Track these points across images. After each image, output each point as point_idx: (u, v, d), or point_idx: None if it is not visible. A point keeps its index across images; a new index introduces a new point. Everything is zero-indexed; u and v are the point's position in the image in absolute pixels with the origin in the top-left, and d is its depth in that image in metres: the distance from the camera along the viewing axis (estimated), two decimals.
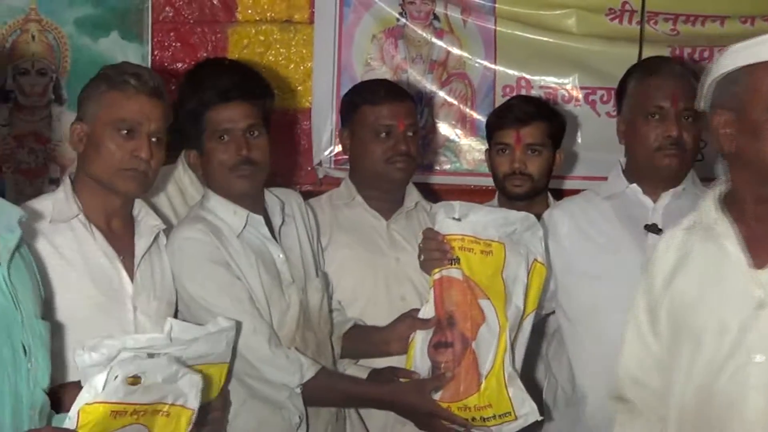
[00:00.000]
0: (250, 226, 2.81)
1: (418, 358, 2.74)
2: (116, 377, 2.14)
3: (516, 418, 2.64)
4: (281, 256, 2.84)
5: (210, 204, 2.81)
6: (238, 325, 2.56)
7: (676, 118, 2.86)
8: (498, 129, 3.40)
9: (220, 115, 2.76)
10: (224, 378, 2.51)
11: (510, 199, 3.37)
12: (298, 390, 2.70)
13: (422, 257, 2.78)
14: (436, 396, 2.67)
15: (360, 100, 3.15)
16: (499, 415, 2.63)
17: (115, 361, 2.19)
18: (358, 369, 2.98)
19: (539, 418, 2.67)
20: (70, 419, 2.11)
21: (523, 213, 2.82)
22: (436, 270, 2.73)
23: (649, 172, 2.93)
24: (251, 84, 2.85)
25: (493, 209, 2.90)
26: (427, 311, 2.76)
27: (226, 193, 2.80)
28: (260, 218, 2.83)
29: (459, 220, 2.73)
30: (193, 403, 2.27)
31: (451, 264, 2.70)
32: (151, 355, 2.23)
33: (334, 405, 2.91)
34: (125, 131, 2.56)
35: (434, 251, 2.72)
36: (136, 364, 2.19)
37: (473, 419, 2.65)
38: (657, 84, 2.90)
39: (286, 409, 2.74)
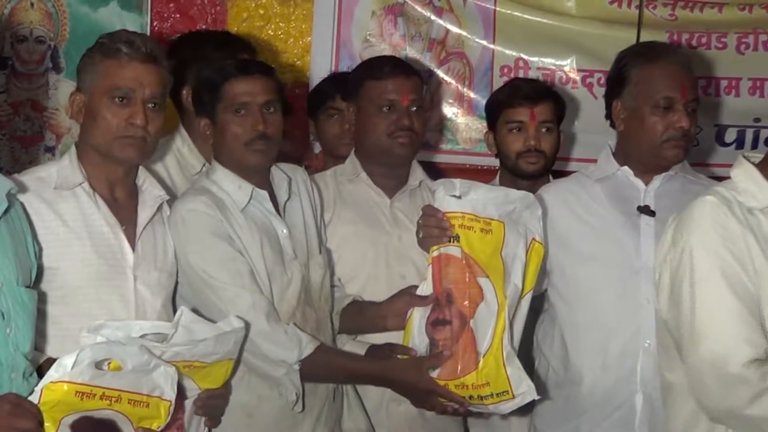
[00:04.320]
0: (255, 201, 2.80)
1: (415, 334, 2.74)
2: (85, 359, 2.17)
3: (513, 397, 2.64)
4: (285, 231, 2.84)
5: (215, 176, 2.81)
6: (247, 325, 2.58)
7: (684, 109, 2.86)
8: (509, 107, 3.41)
9: (239, 88, 2.76)
10: (230, 372, 2.54)
11: (517, 178, 3.40)
12: (297, 366, 2.70)
13: (421, 234, 2.78)
14: (434, 373, 2.67)
15: (365, 74, 3.14)
16: (497, 394, 2.63)
17: (86, 344, 2.22)
18: (356, 345, 2.98)
19: (536, 398, 2.67)
20: (35, 393, 2.15)
21: (522, 192, 2.82)
22: (435, 247, 2.72)
23: (651, 160, 2.93)
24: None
25: (493, 187, 2.89)
26: (425, 288, 2.75)
27: (235, 166, 2.80)
28: (265, 193, 2.82)
29: (459, 197, 2.72)
30: (170, 394, 2.32)
31: (450, 242, 2.69)
32: (123, 342, 2.26)
33: (332, 381, 2.91)
34: (120, 99, 2.55)
35: (433, 228, 2.71)
36: (107, 349, 2.23)
37: (471, 397, 2.66)
38: (665, 73, 2.88)
39: (283, 385, 2.74)
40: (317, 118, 3.75)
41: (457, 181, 2.75)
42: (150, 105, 2.57)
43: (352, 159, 3.20)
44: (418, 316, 2.74)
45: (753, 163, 2.45)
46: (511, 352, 2.64)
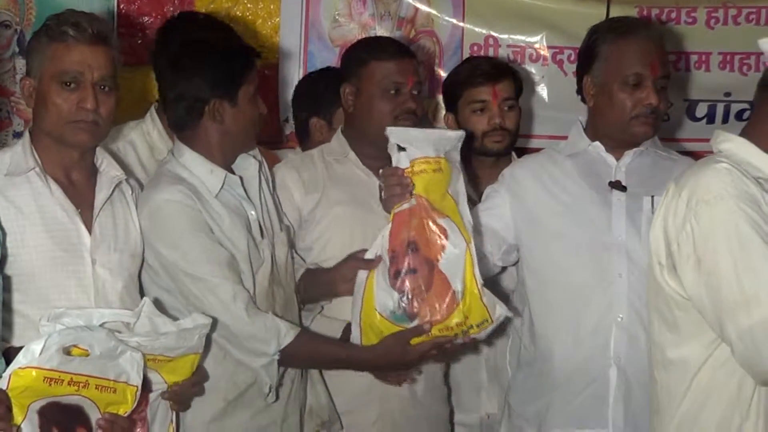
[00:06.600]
0: (227, 185, 2.78)
1: (380, 295, 2.72)
2: (53, 345, 2.15)
3: (492, 323, 2.72)
4: (253, 213, 2.83)
5: (184, 160, 2.77)
6: (214, 321, 2.57)
7: (653, 85, 2.86)
8: (471, 87, 3.40)
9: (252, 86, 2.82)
10: (195, 366, 2.51)
11: (481, 157, 3.41)
12: (276, 357, 2.70)
13: (384, 196, 2.75)
14: (417, 322, 2.69)
15: (368, 55, 3.09)
16: (477, 325, 2.70)
17: (54, 330, 2.20)
18: (324, 321, 2.99)
19: (510, 315, 2.76)
20: (2, 379, 2.13)
21: (459, 132, 2.82)
22: (397, 205, 2.71)
23: (620, 137, 2.94)
24: None
25: (429, 130, 2.87)
26: (375, 247, 2.77)
27: (233, 148, 2.80)
28: (236, 178, 2.81)
29: (403, 149, 2.69)
30: (136, 379, 2.31)
31: (411, 196, 2.70)
32: (90, 328, 2.24)
33: (315, 367, 2.95)
34: (68, 83, 2.51)
35: (395, 187, 2.70)
36: (75, 334, 2.21)
37: (455, 335, 2.72)
38: (634, 49, 2.88)
39: (259, 376, 2.74)
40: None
41: (389, 130, 2.73)
42: (100, 87, 2.53)
43: (339, 138, 3.19)
44: (377, 277, 2.74)
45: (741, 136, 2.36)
46: (482, 283, 2.69)
